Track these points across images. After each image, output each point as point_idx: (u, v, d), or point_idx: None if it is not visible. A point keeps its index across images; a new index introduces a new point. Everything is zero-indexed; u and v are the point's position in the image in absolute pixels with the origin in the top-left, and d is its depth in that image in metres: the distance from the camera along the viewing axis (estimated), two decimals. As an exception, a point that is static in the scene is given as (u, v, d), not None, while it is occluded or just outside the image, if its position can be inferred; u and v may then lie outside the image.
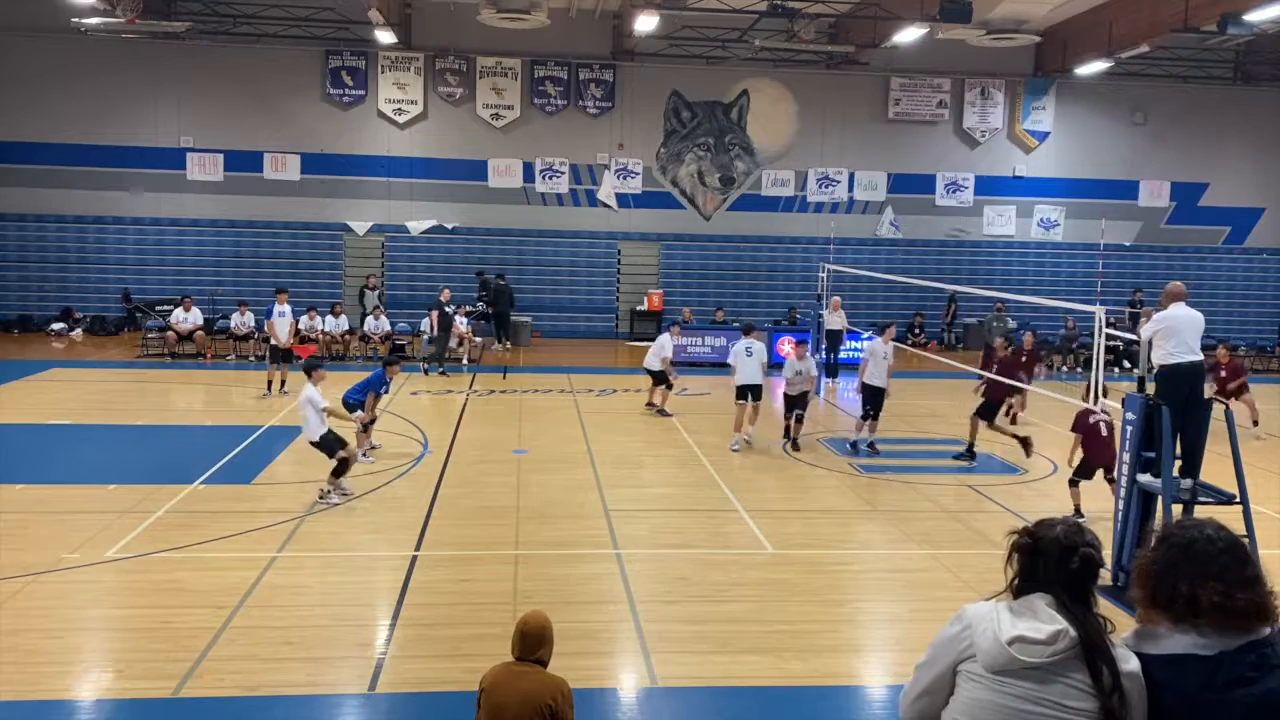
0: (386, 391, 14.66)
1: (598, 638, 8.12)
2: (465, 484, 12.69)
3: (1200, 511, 9.24)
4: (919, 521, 11.61)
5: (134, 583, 9.05)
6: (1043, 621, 2.76)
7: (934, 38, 24.27)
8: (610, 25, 27.31)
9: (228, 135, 26.84)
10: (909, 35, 23.08)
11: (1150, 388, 9.53)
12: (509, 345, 25.55)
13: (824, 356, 21.96)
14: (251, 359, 22.30)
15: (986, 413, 14.55)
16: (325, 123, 27.19)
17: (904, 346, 21.97)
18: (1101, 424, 11.58)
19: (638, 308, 27.96)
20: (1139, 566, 2.80)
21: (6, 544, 9.80)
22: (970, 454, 14.69)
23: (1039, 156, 29.44)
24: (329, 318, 23.22)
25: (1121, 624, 2.81)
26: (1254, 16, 19.33)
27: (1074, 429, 11.93)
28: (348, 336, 23.38)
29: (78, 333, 25.56)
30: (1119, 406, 9.74)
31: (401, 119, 27.41)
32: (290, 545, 10.12)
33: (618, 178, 28.20)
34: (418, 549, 10.14)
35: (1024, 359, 16.62)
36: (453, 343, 23.16)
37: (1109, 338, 10.76)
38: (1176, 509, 8.95)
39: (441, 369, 21.32)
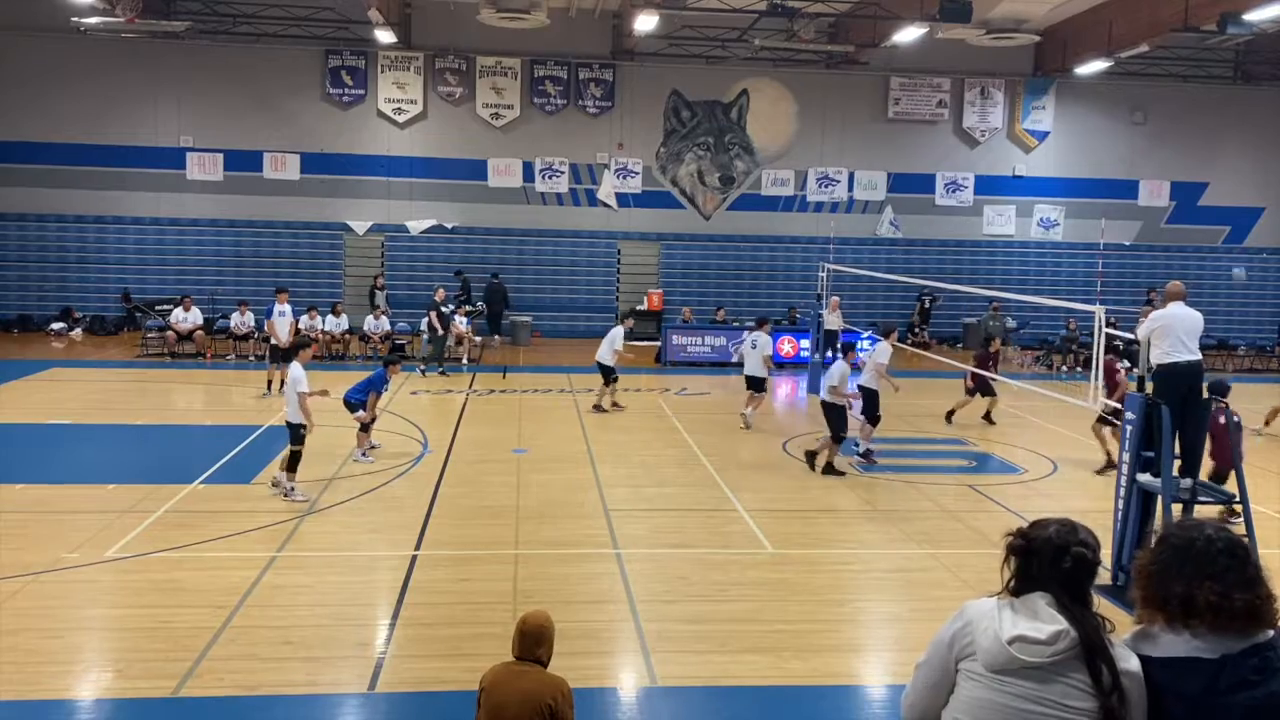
0: (385, 390, 14.67)
1: (598, 637, 8.12)
2: (465, 483, 12.69)
3: (1199, 512, 9.25)
4: (919, 521, 11.61)
5: (133, 582, 9.04)
6: (1044, 621, 2.75)
7: (934, 37, 24.27)
8: (610, 25, 27.31)
9: (227, 135, 26.84)
10: (909, 35, 23.08)
11: (1149, 387, 9.53)
12: (498, 340, 25.47)
13: (828, 357, 21.94)
14: (251, 359, 22.31)
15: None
16: (325, 122, 27.19)
17: (904, 346, 21.97)
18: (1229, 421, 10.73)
19: (638, 307, 27.89)
20: (1138, 567, 2.80)
21: (6, 544, 9.80)
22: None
23: (1039, 156, 29.44)
24: (329, 317, 23.21)
25: (1121, 624, 2.81)
26: (1254, 16, 19.33)
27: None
28: (348, 336, 23.37)
29: (77, 332, 25.56)
30: (1119, 406, 9.73)
31: (401, 118, 27.41)
32: (290, 545, 10.12)
33: (617, 177, 28.20)
34: (417, 549, 10.14)
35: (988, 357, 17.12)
36: (450, 341, 23.19)
37: (1109, 337, 10.75)
38: (1176, 508, 8.94)
39: (441, 369, 21.31)
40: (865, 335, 24.08)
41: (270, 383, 18.33)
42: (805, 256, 27.71)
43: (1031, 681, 2.72)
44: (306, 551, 9.98)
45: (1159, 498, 8.99)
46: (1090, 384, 11.45)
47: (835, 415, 13.80)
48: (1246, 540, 2.80)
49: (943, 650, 2.90)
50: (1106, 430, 13.98)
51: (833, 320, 22.11)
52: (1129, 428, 9.33)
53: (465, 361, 23.06)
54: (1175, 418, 8.99)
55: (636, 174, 28.31)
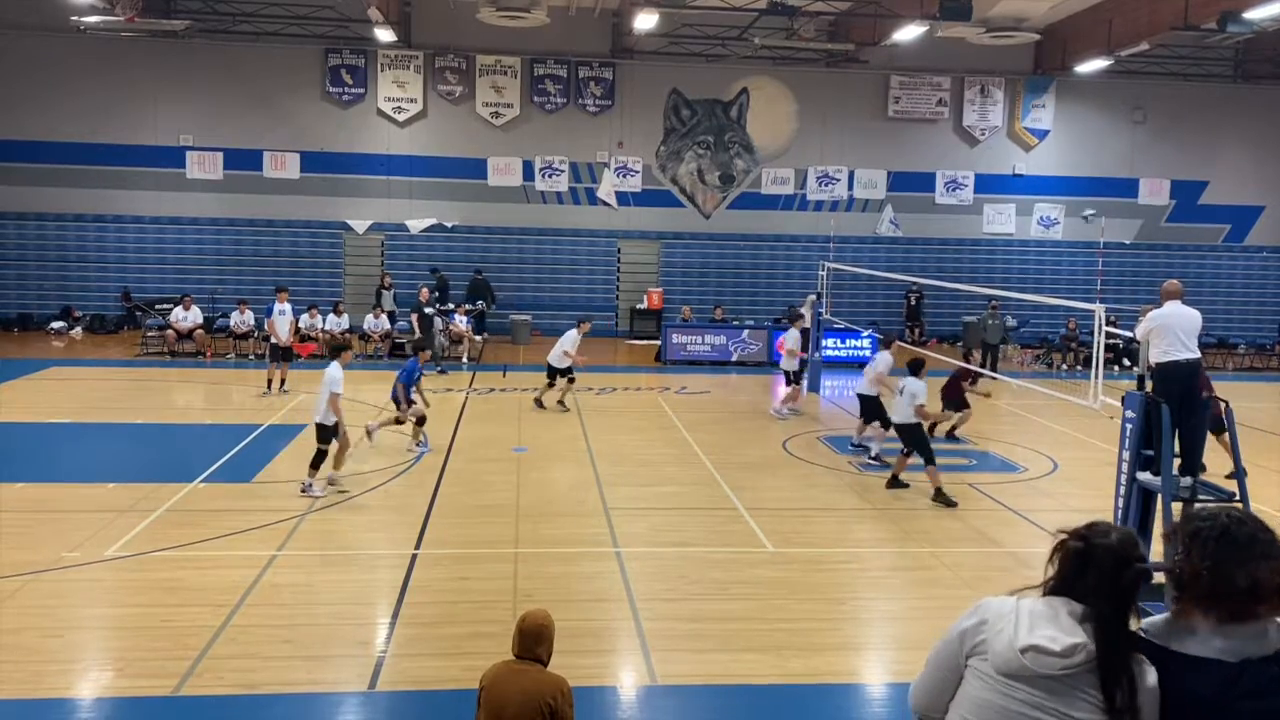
0: (420, 378, 14.77)
1: (597, 636, 8.12)
2: (465, 482, 12.69)
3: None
4: (918, 519, 11.61)
5: (134, 581, 9.05)
6: (1063, 632, 2.66)
7: (934, 36, 24.27)
8: (610, 23, 27.31)
9: (227, 134, 26.83)
10: (909, 33, 23.07)
11: (1149, 386, 9.53)
12: (482, 339, 25.39)
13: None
14: (251, 357, 22.30)
15: None
16: (325, 121, 27.19)
17: (905, 345, 21.96)
18: None
19: (638, 306, 27.96)
20: (1189, 571, 2.65)
21: (6, 543, 9.81)
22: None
23: (1039, 155, 29.43)
24: (330, 316, 23.22)
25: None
26: (1253, 14, 19.32)
27: None
28: (348, 335, 23.35)
29: (77, 331, 25.55)
30: (1118, 404, 9.73)
31: (401, 117, 27.40)
32: (290, 544, 10.13)
33: (617, 176, 28.19)
34: (418, 547, 10.14)
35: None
36: (445, 340, 23.21)
37: (1108, 336, 10.74)
38: (1176, 507, 8.94)
39: (439, 368, 21.29)
40: (865, 334, 24.11)
41: (270, 381, 18.33)
42: (805, 255, 27.69)
43: (1039, 690, 2.66)
44: (307, 550, 9.98)
45: (1159, 496, 8.99)
46: (1091, 382, 11.45)
47: (872, 406, 14.16)
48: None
49: (954, 645, 2.85)
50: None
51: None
52: (1129, 426, 9.33)
53: (465, 360, 23.06)
54: (1175, 416, 8.99)
55: (636, 173, 28.30)
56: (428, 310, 21.63)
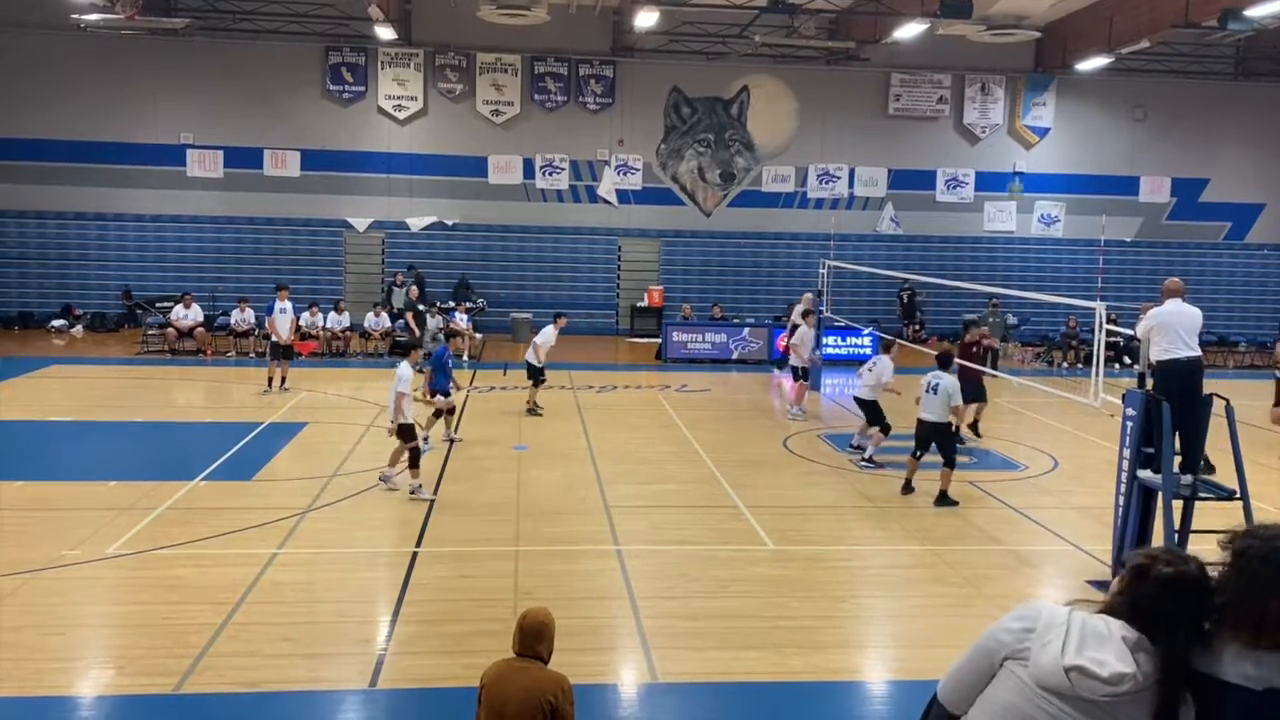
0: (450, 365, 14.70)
1: (598, 633, 8.13)
2: (466, 480, 12.69)
3: (1198, 509, 9.25)
4: (919, 517, 11.61)
5: (135, 579, 9.06)
6: (1112, 657, 2.55)
7: (934, 33, 24.24)
8: (610, 21, 27.29)
9: (228, 132, 26.82)
10: (909, 31, 23.05)
11: (1150, 384, 9.53)
12: (483, 338, 25.08)
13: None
14: (252, 355, 22.30)
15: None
16: (325, 119, 27.18)
17: (905, 344, 21.96)
18: None
19: (638, 304, 27.96)
20: (1222, 586, 2.56)
21: (7, 541, 9.81)
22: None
23: (1039, 152, 29.42)
24: (331, 314, 23.24)
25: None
26: (1254, 12, 19.31)
27: None
28: (349, 333, 23.39)
29: (78, 329, 25.56)
30: (1118, 402, 9.74)
31: (401, 115, 27.40)
32: (291, 542, 10.13)
33: (618, 174, 28.18)
34: (418, 545, 10.15)
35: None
36: (443, 338, 23.18)
37: (1109, 334, 10.74)
38: (1176, 505, 8.95)
39: (420, 366, 21.00)
40: (866, 332, 24.11)
41: (271, 380, 18.33)
42: (806, 253, 27.69)
43: (1073, 708, 2.57)
44: (308, 548, 9.99)
45: (1159, 494, 8.99)
46: (1091, 381, 11.44)
47: (872, 410, 14.03)
48: None
49: (996, 645, 2.73)
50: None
51: (798, 314, 22.13)
52: (1129, 424, 9.33)
53: (465, 358, 23.06)
54: (1175, 414, 8.99)
55: (637, 170, 28.29)
56: (420, 307, 21.57)
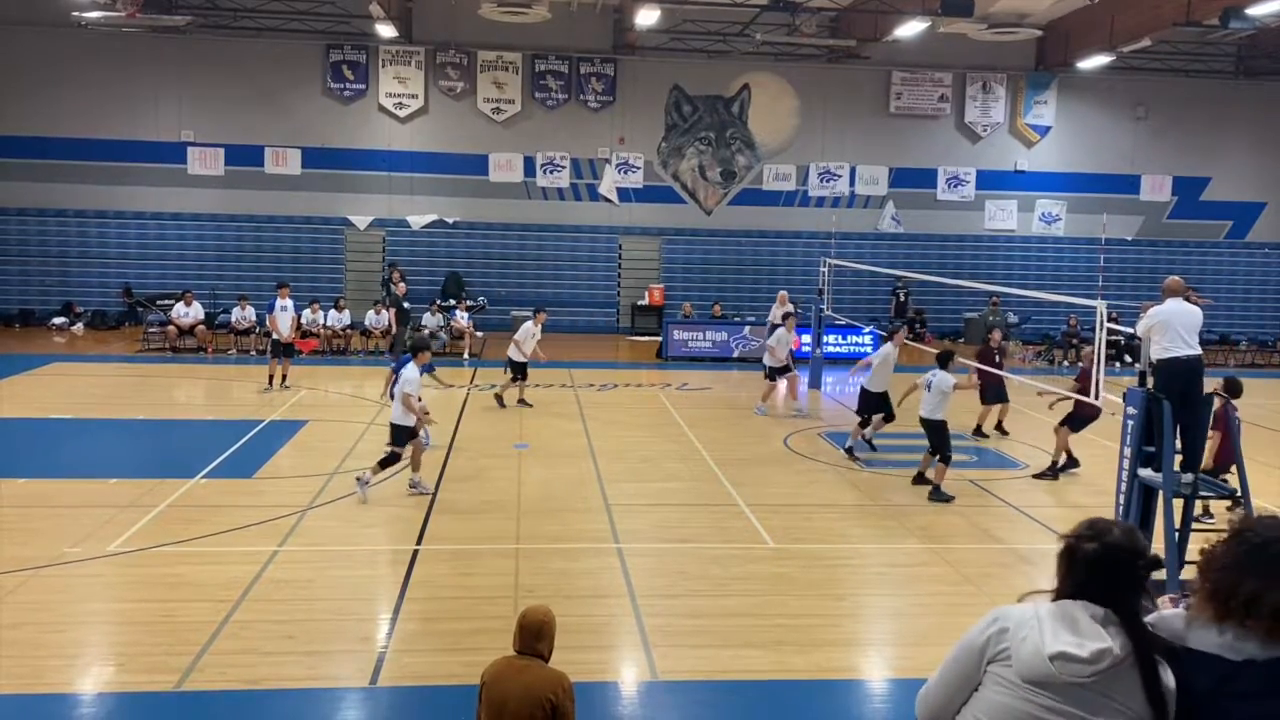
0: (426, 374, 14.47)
1: (598, 632, 8.13)
2: (466, 478, 12.69)
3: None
4: (919, 516, 11.62)
5: (135, 577, 9.06)
6: (1086, 637, 2.66)
7: (935, 31, 24.23)
8: (611, 19, 27.28)
9: (228, 130, 26.82)
10: (910, 29, 23.05)
11: (1150, 382, 9.53)
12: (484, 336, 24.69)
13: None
14: (253, 353, 22.31)
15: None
16: (326, 117, 27.17)
17: (906, 342, 21.95)
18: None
19: (639, 302, 27.96)
20: (1207, 556, 2.71)
21: (8, 538, 9.82)
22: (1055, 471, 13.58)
23: (1040, 151, 29.41)
24: (332, 312, 23.25)
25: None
26: (1256, 11, 19.29)
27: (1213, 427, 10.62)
28: (349, 331, 23.40)
29: (79, 327, 25.57)
30: (1119, 400, 9.74)
31: (402, 113, 27.39)
32: (292, 539, 10.14)
33: (619, 172, 28.16)
34: (419, 543, 10.15)
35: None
36: (444, 336, 23.24)
37: (1110, 332, 10.74)
38: (1177, 503, 8.94)
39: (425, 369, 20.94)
40: (866, 330, 24.12)
41: (272, 377, 18.34)
42: (807, 251, 27.69)
43: (1062, 697, 2.64)
44: (308, 546, 9.99)
45: (1160, 493, 8.99)
46: (1092, 379, 11.44)
47: (881, 401, 14.24)
48: None
49: (974, 654, 2.81)
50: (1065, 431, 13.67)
51: (778, 314, 22.18)
52: (1130, 422, 9.33)
53: (466, 356, 23.07)
54: (1176, 413, 8.99)
55: (638, 169, 28.28)
56: (406, 305, 21.44)
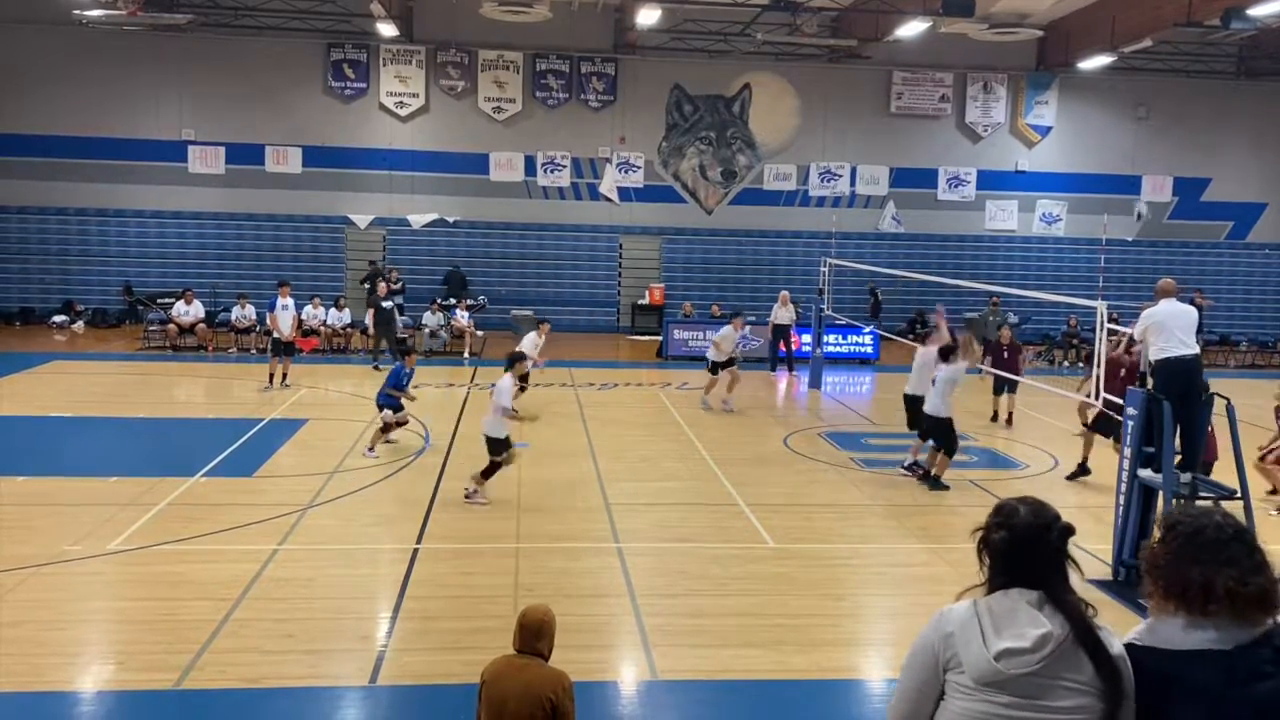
0: (407, 383, 14.34)
1: (598, 631, 8.13)
2: (466, 478, 12.67)
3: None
4: (919, 516, 11.62)
5: (136, 575, 9.07)
6: (1026, 625, 2.71)
7: (936, 31, 24.22)
8: (612, 19, 27.27)
9: (229, 128, 26.82)
10: (911, 29, 23.04)
11: (1149, 383, 9.53)
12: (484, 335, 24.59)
13: (782, 352, 22.25)
14: (253, 352, 22.31)
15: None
16: (327, 116, 27.17)
17: (905, 341, 21.98)
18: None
19: (639, 302, 27.96)
20: (1149, 558, 2.76)
21: (8, 536, 9.82)
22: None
23: (1041, 151, 29.40)
24: (333, 310, 23.26)
25: (1117, 616, 2.80)
26: (1257, 11, 19.28)
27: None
28: (349, 330, 23.40)
29: (79, 325, 25.57)
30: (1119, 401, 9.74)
31: (403, 112, 27.39)
32: (292, 538, 10.14)
33: (619, 171, 28.16)
34: (419, 542, 10.16)
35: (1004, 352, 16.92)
36: (445, 335, 23.25)
37: (1110, 333, 10.75)
38: (1176, 503, 8.94)
39: (376, 364, 20.85)
40: (866, 330, 24.12)
41: (272, 376, 18.34)
42: (807, 251, 27.69)
43: (1021, 690, 2.69)
44: (308, 545, 10.00)
45: (1160, 493, 9.00)
46: (1091, 379, 11.45)
47: (920, 414, 13.14)
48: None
49: (928, 660, 2.85)
50: (1097, 437, 13.43)
51: (784, 315, 22.22)
52: (1130, 423, 9.34)
53: (467, 355, 23.07)
54: (1175, 412, 8.99)
55: (638, 168, 28.28)
56: (385, 305, 21.29)
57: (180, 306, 23.11)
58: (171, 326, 22.84)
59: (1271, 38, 26.05)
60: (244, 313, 22.99)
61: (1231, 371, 24.69)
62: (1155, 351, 9.27)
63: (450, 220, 27.80)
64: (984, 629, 2.75)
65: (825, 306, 20.62)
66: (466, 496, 11.53)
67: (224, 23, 25.98)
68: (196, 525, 10.32)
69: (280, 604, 8.43)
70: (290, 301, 18.89)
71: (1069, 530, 2.84)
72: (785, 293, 22.70)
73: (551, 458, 13.85)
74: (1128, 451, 9.40)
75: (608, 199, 28.18)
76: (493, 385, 11.99)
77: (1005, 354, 16.91)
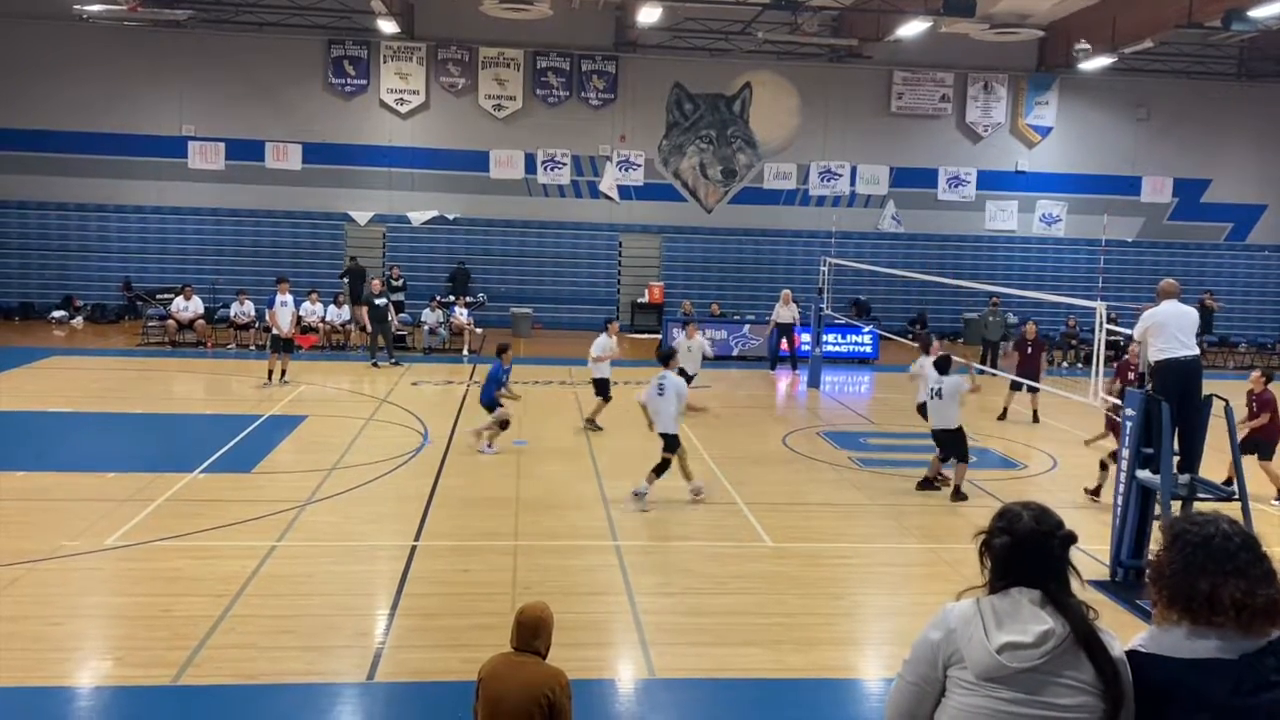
0: (506, 379, 14.33)
1: (596, 629, 8.13)
2: (465, 474, 12.69)
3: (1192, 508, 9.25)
4: (917, 515, 11.62)
5: (134, 571, 9.06)
6: (1028, 622, 2.73)
7: (937, 31, 24.22)
8: (613, 17, 27.25)
9: (229, 124, 26.80)
10: (912, 29, 23.04)
11: (1149, 384, 9.53)
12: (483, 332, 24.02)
13: (784, 351, 22.25)
14: (252, 348, 22.31)
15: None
16: (327, 112, 27.15)
17: (904, 340, 21.98)
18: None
19: (638, 300, 27.96)
20: (1157, 567, 2.74)
21: (6, 531, 9.82)
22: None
23: (1041, 151, 29.40)
24: (331, 307, 23.25)
25: (1115, 617, 2.80)
26: (1258, 13, 19.29)
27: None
28: (348, 327, 23.39)
29: (78, 320, 25.56)
30: (1118, 401, 9.74)
31: (403, 109, 27.37)
32: (290, 534, 10.14)
33: (619, 169, 28.16)
34: (417, 539, 10.15)
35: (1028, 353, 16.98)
36: (444, 333, 23.24)
37: (1109, 333, 10.75)
38: (1174, 505, 8.95)
39: (374, 360, 20.96)
40: (866, 330, 24.12)
41: (271, 372, 18.33)
42: (807, 250, 27.68)
43: (1023, 685, 2.70)
44: (306, 541, 9.99)
45: (1158, 494, 9.00)
46: (1091, 380, 11.45)
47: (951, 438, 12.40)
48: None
49: (929, 656, 2.86)
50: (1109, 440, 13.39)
51: (786, 314, 22.22)
52: (1129, 424, 9.34)
53: (466, 353, 23.06)
54: (1174, 414, 8.99)
55: (638, 166, 28.27)
56: (378, 302, 21.27)
57: (179, 302, 23.10)
58: (171, 322, 22.82)
59: (1272, 39, 26.05)
60: (243, 309, 22.98)
61: (1230, 373, 24.68)
62: (1155, 352, 9.27)
63: (450, 217, 27.79)
64: (986, 624, 2.76)
65: (825, 306, 20.62)
66: (635, 495, 11.50)
67: (224, 18, 25.96)
68: (195, 521, 10.32)
69: (278, 600, 8.43)
70: (289, 298, 18.88)
71: (1071, 538, 2.85)
72: (787, 291, 22.70)
73: (550, 455, 13.86)
74: (1126, 453, 9.40)
75: (608, 197, 28.18)
76: (660, 383, 11.78)
77: (1029, 349, 17.04)
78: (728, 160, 28.55)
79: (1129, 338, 10.96)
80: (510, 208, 27.90)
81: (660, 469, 11.57)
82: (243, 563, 9.15)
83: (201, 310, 23.25)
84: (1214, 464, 10.37)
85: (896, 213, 29.01)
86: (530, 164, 27.85)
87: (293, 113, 26.97)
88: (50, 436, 14.26)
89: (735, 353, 23.80)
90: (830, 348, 22.75)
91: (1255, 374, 13.23)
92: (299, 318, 20.43)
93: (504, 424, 13.99)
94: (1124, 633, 2.83)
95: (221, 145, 26.91)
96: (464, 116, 27.55)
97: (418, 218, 27.66)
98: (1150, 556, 2.81)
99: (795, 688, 7.28)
